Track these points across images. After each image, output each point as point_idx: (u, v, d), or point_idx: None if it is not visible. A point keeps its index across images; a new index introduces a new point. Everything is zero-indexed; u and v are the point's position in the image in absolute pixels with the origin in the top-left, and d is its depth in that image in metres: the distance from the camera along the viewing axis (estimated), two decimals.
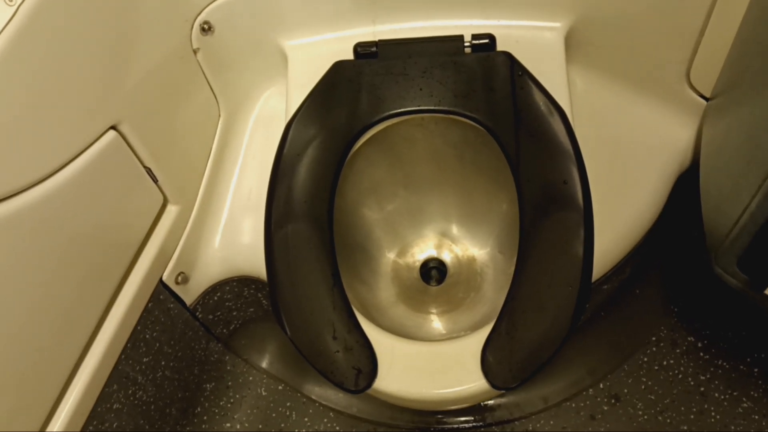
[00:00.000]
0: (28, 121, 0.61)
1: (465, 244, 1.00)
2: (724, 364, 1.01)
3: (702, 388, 0.99)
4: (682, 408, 0.98)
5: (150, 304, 0.87)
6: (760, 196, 0.66)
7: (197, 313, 1.01)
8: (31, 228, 0.63)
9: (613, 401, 1.00)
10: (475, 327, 0.79)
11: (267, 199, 0.79)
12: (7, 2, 0.57)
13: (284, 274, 0.75)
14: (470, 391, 0.69)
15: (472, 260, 0.98)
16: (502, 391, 0.70)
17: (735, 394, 0.98)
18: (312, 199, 0.78)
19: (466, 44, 0.86)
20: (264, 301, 1.08)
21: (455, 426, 1.02)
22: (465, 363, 0.69)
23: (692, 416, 0.97)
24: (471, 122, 0.81)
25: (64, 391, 0.74)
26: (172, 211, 0.90)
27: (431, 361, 0.71)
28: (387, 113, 0.82)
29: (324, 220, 0.77)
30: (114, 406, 0.83)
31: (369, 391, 0.70)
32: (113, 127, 0.74)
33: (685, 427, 0.97)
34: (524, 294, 0.70)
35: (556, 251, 0.72)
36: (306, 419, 1.05)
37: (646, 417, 0.98)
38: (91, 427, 0.78)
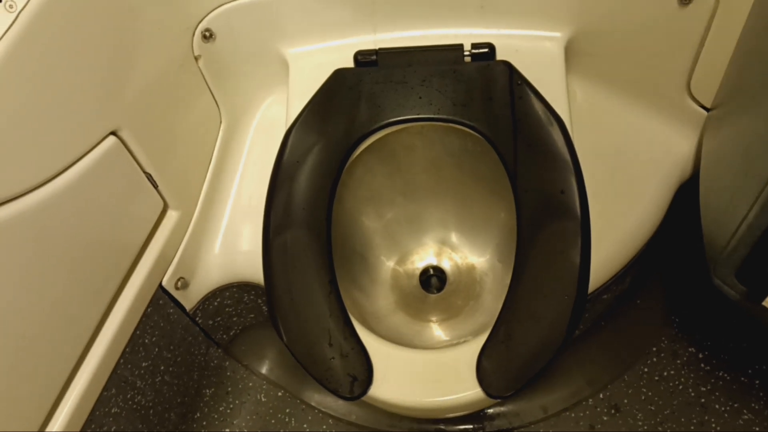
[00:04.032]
0: (27, 126, 0.62)
1: (464, 252, 1.00)
2: (725, 375, 1.00)
3: (702, 400, 0.99)
4: (683, 419, 0.98)
5: (149, 309, 0.87)
6: (757, 207, 0.66)
7: (197, 319, 1.02)
8: (30, 231, 0.64)
9: (612, 411, 1.00)
10: (473, 335, 0.78)
11: (266, 205, 0.79)
12: (8, 9, 0.58)
13: (281, 281, 0.75)
14: (465, 399, 0.69)
15: (471, 268, 0.98)
16: (498, 400, 0.70)
17: (736, 405, 0.97)
18: (310, 206, 0.79)
19: (466, 53, 0.86)
20: (264, 307, 1.08)
21: None
22: (460, 371, 0.69)
23: (692, 427, 0.97)
24: (470, 131, 0.81)
25: (62, 393, 0.74)
26: (172, 216, 0.90)
27: (427, 368, 0.71)
28: (386, 121, 0.83)
29: (322, 228, 0.77)
30: (112, 410, 0.83)
31: (364, 398, 0.70)
32: (113, 133, 0.75)
33: None
34: (520, 303, 0.70)
35: (552, 261, 0.72)
36: (305, 425, 1.05)
37: (646, 428, 0.98)
38: (89, 431, 0.78)
